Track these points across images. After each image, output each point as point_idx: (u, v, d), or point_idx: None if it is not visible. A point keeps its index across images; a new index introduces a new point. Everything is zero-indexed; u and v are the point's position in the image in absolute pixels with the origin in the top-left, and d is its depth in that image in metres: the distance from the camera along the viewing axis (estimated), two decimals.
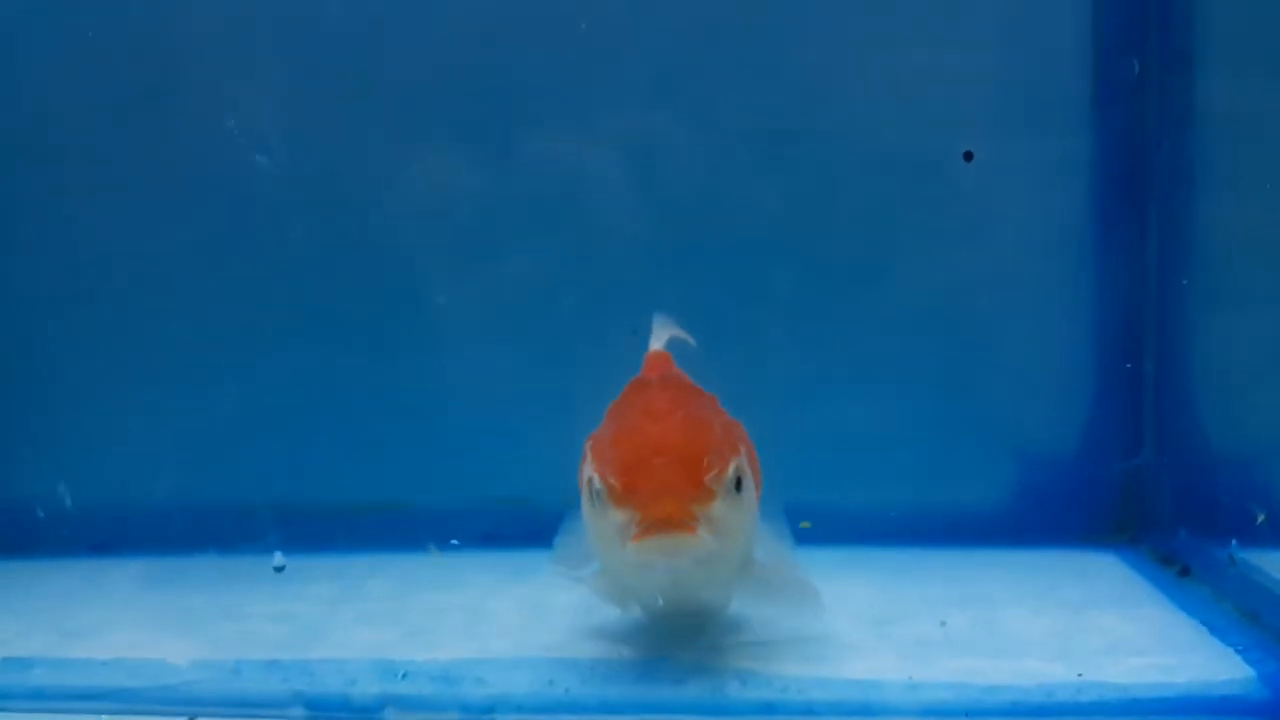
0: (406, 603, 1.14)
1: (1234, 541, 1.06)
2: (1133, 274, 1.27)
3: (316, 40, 1.30)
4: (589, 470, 0.86)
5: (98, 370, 1.34)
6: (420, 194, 1.30)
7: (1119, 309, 1.28)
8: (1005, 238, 1.28)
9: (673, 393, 0.91)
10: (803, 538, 0.97)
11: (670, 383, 0.95)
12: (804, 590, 0.93)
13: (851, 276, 1.29)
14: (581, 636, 1.01)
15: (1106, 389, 1.29)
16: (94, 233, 1.33)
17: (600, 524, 0.86)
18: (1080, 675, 0.89)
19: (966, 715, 0.85)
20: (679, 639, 0.97)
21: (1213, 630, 1.00)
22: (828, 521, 1.20)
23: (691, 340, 1.06)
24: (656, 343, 1.04)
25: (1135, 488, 1.29)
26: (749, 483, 0.88)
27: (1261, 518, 1.04)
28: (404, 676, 0.93)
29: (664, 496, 0.81)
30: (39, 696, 0.94)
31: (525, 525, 1.13)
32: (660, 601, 0.92)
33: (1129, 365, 1.28)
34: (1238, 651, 0.94)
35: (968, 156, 1.23)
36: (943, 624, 1.03)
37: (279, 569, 1.22)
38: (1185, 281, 1.22)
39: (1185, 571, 1.16)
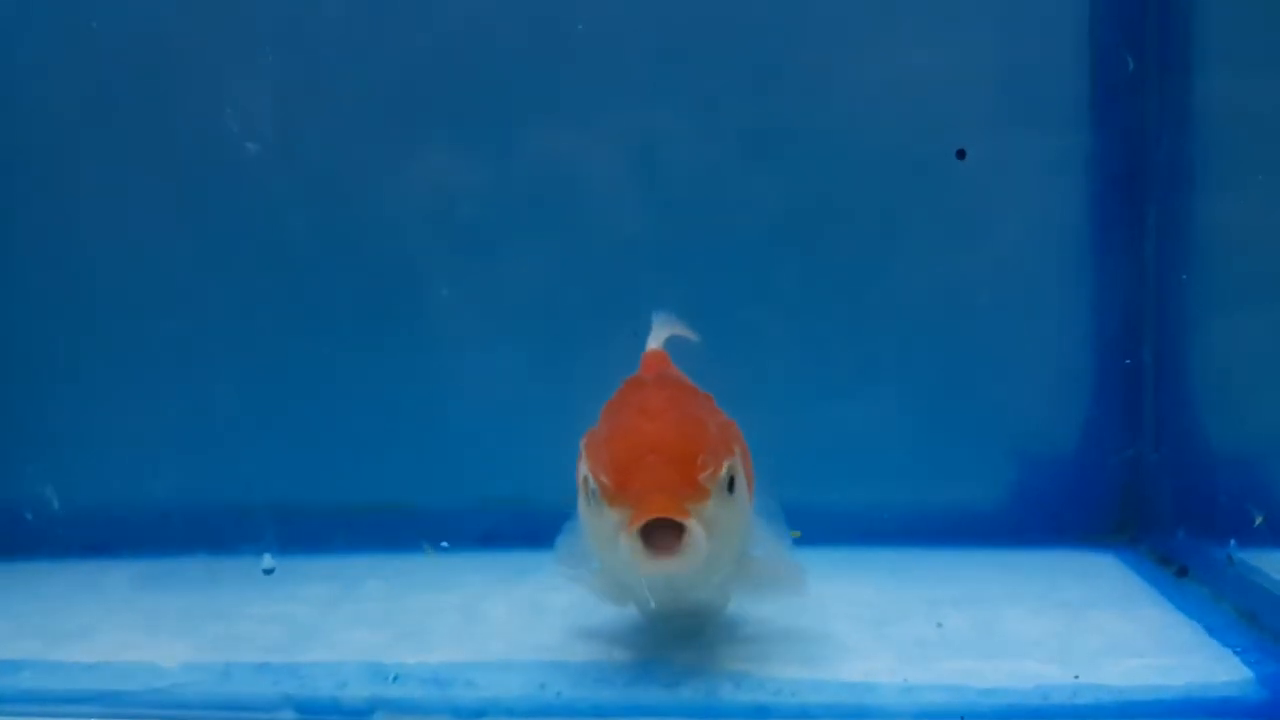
0: (402, 604, 1.13)
1: (1233, 542, 1.06)
2: (1131, 273, 1.27)
3: (316, 40, 1.29)
4: (584, 468, 0.86)
5: (94, 370, 1.33)
6: (420, 194, 1.30)
7: (1118, 308, 1.28)
8: (1004, 236, 1.28)
9: (668, 391, 0.90)
10: (800, 537, 0.97)
11: (666, 381, 0.94)
12: (792, 575, 0.93)
13: (850, 275, 1.29)
14: (576, 638, 1.01)
15: (1105, 388, 1.28)
16: (91, 232, 1.32)
17: (595, 522, 0.85)
18: (1077, 677, 0.88)
19: (962, 718, 0.85)
20: (673, 641, 0.97)
21: (1211, 631, 0.99)
22: (825, 521, 1.18)
23: (694, 336, 1.06)
24: (654, 342, 1.04)
25: (1134, 488, 1.28)
26: (743, 482, 0.88)
27: (1260, 519, 1.03)
28: (395, 679, 0.92)
29: (657, 494, 0.80)
30: (27, 700, 0.93)
31: (524, 526, 1.11)
32: (654, 603, 0.92)
33: (1128, 363, 1.28)
34: (1236, 653, 0.94)
35: (960, 155, 1.23)
36: (939, 625, 1.02)
37: (268, 571, 1.22)
38: (1185, 277, 1.21)
39: (1184, 572, 1.16)
